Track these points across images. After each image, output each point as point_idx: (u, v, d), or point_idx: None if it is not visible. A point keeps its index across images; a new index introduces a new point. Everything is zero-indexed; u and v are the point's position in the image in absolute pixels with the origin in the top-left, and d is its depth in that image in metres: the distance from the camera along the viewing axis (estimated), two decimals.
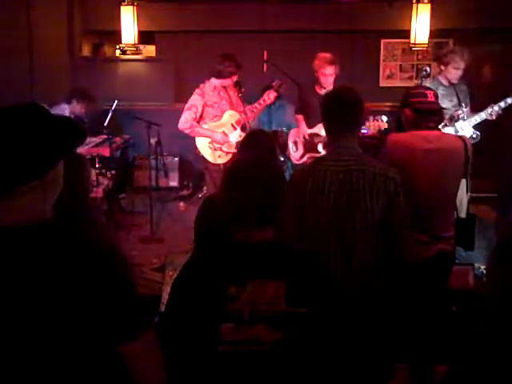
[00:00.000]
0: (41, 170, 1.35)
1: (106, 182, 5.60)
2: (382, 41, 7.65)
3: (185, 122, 4.73)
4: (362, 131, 3.57)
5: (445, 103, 4.42)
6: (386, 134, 4.04)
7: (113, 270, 1.39)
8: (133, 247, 5.19)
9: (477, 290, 3.61)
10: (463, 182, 2.96)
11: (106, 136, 5.87)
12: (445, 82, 4.75)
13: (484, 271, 3.90)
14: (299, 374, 1.62)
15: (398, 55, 7.70)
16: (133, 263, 4.58)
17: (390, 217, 2.36)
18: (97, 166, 5.50)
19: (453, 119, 4.64)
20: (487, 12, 6.77)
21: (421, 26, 6.63)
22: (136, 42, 6.83)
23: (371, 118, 4.12)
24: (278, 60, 5.74)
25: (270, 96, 5.02)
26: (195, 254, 2.58)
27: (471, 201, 3.13)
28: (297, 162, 5.31)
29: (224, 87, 4.91)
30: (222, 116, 4.88)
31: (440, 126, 3.12)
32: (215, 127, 4.85)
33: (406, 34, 6.87)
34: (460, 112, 4.61)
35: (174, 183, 7.35)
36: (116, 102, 6.32)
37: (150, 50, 8.18)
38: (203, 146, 4.85)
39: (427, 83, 4.57)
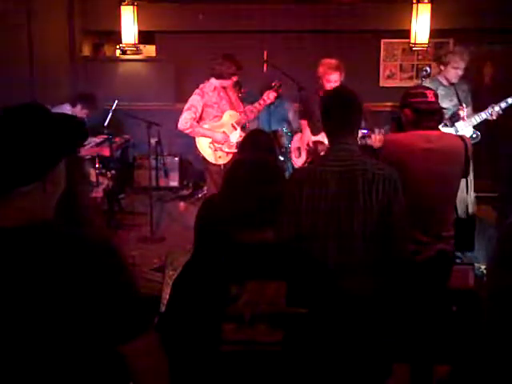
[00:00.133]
0: (42, 170, 1.35)
1: (105, 181, 5.61)
2: (382, 41, 7.64)
3: (184, 122, 4.72)
4: (362, 131, 3.49)
5: (445, 103, 4.42)
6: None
7: (112, 270, 1.39)
8: (133, 247, 5.19)
9: (477, 290, 3.60)
10: (463, 181, 2.96)
11: (106, 136, 5.88)
12: (445, 82, 4.75)
13: (484, 271, 3.89)
14: (300, 373, 1.62)
15: (398, 55, 7.69)
16: (133, 263, 4.58)
17: (389, 216, 2.36)
18: (97, 165, 5.51)
19: (453, 119, 4.64)
20: (487, 12, 6.76)
21: (421, 25, 6.65)
22: (136, 41, 6.85)
23: (376, 130, 3.67)
24: (278, 60, 5.75)
25: (269, 96, 5.01)
26: (195, 255, 2.57)
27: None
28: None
29: (224, 87, 4.91)
30: (222, 116, 4.88)
31: (440, 126, 3.11)
32: (215, 127, 4.85)
33: (406, 33, 6.88)
34: (461, 112, 4.61)
35: (174, 183, 7.34)
36: (116, 101, 6.32)
37: (150, 50, 8.17)
38: (204, 146, 4.85)
39: (427, 83, 4.56)
